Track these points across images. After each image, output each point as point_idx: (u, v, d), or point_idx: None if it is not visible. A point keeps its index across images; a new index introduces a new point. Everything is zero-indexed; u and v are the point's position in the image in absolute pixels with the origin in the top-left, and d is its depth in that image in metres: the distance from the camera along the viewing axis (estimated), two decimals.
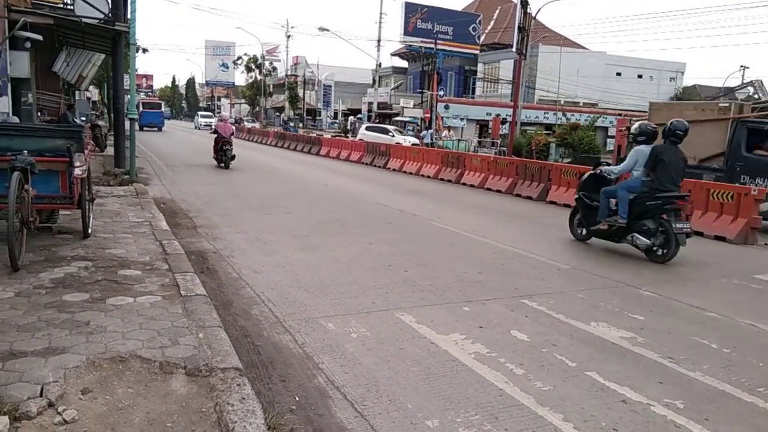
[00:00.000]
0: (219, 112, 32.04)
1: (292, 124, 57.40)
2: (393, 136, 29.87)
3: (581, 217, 8.90)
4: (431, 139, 31.45)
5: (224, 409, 3.07)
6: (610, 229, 8.17)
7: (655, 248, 7.78)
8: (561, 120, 33.74)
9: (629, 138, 11.12)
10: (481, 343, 4.55)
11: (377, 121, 43.84)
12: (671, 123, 7.97)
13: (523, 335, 4.77)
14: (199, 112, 67.50)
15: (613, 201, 8.20)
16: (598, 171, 8.64)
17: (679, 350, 4.63)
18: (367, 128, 32.46)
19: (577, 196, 8.97)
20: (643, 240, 7.77)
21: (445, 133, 34.12)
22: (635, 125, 8.72)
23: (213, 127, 21.42)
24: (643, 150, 8.01)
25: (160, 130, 41.96)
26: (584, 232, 8.87)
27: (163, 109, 49.56)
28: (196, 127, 57.74)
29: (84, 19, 12.25)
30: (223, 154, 17.71)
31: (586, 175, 9.01)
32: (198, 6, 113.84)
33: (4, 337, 3.77)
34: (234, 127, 22.40)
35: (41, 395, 3.08)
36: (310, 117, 65.74)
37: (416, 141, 29.59)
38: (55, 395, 3.08)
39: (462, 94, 54.88)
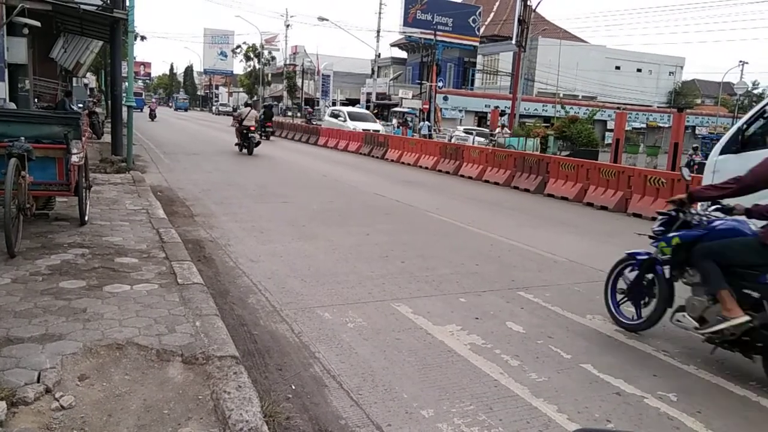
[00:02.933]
0: (153, 98, 41.41)
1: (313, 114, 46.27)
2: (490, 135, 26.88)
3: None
4: (428, 131, 30.69)
5: (221, 396, 3.08)
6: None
7: None
8: (560, 113, 33.73)
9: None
10: (476, 334, 4.57)
11: (375, 111, 43.60)
12: None
13: (518, 327, 4.79)
14: (332, 108, 37.29)
15: None
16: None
17: (674, 344, 4.66)
18: (466, 131, 29.16)
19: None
20: None
21: (498, 129, 27.46)
22: None
23: (149, 107, 45.36)
24: None
25: (141, 111, 49.91)
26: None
27: (143, 97, 66.39)
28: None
29: (82, 6, 12.19)
30: (152, 116, 39.84)
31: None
32: None
33: (1, 324, 3.77)
34: (157, 104, 45.11)
35: (38, 381, 3.08)
36: (308, 106, 63.72)
37: (482, 140, 26.66)
38: (52, 381, 3.09)
39: (461, 85, 54.78)
